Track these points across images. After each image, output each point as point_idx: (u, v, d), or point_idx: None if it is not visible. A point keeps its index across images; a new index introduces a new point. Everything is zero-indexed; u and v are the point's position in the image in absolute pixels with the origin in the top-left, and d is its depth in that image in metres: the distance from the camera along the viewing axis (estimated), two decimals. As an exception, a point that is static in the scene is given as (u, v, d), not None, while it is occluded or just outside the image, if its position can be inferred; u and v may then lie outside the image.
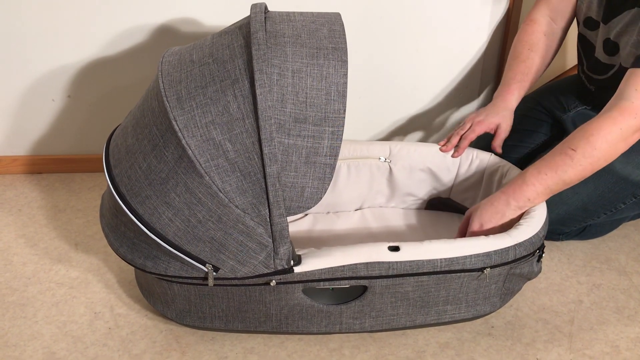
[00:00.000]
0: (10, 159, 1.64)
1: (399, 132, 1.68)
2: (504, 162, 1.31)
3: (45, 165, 1.66)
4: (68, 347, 1.13)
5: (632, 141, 1.10)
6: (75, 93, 1.57)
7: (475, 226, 1.14)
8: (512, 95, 1.33)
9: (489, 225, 1.13)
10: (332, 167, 0.96)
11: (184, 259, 1.00)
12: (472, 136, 1.31)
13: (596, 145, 1.08)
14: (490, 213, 1.13)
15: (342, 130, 0.94)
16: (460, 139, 1.32)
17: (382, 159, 1.34)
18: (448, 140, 1.33)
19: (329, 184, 0.97)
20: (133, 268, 1.29)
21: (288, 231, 0.98)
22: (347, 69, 0.93)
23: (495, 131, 1.32)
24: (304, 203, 0.97)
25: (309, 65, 0.93)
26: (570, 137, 1.11)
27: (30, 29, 1.47)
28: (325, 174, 0.96)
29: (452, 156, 1.32)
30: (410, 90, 1.62)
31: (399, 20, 1.52)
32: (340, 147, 0.95)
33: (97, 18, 1.46)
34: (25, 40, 1.48)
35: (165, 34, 1.49)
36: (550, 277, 1.32)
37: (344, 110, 0.93)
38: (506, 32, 1.57)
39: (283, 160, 0.93)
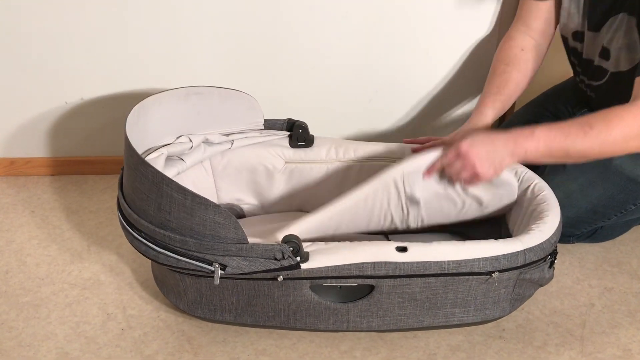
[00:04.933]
0: (24, 161, 1.66)
1: (408, 135, 1.68)
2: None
3: (58, 167, 1.67)
4: (81, 348, 1.14)
5: None
6: (88, 96, 1.58)
7: (465, 144, 1.11)
8: (486, 108, 1.30)
9: (476, 148, 1.11)
10: None
11: (192, 263, 1.02)
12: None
13: (612, 132, 1.07)
14: (485, 141, 1.12)
15: None
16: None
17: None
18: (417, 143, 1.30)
19: None
20: (145, 270, 1.30)
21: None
22: None
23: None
24: None
25: None
26: (593, 114, 1.10)
27: (44, 33, 1.48)
28: None
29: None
30: (420, 93, 1.62)
31: (409, 23, 1.52)
32: None
33: (110, 22, 1.47)
34: (39, 44, 1.49)
35: (177, 38, 1.50)
36: (561, 280, 1.31)
37: None
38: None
39: None
